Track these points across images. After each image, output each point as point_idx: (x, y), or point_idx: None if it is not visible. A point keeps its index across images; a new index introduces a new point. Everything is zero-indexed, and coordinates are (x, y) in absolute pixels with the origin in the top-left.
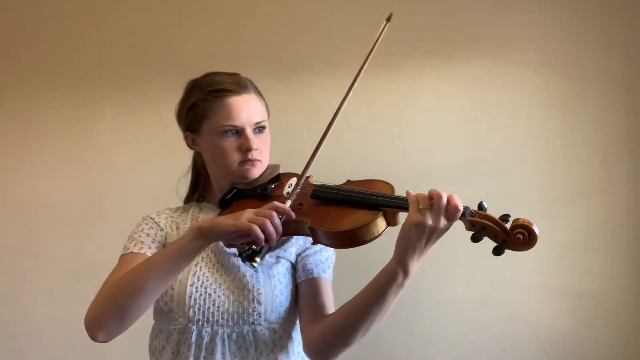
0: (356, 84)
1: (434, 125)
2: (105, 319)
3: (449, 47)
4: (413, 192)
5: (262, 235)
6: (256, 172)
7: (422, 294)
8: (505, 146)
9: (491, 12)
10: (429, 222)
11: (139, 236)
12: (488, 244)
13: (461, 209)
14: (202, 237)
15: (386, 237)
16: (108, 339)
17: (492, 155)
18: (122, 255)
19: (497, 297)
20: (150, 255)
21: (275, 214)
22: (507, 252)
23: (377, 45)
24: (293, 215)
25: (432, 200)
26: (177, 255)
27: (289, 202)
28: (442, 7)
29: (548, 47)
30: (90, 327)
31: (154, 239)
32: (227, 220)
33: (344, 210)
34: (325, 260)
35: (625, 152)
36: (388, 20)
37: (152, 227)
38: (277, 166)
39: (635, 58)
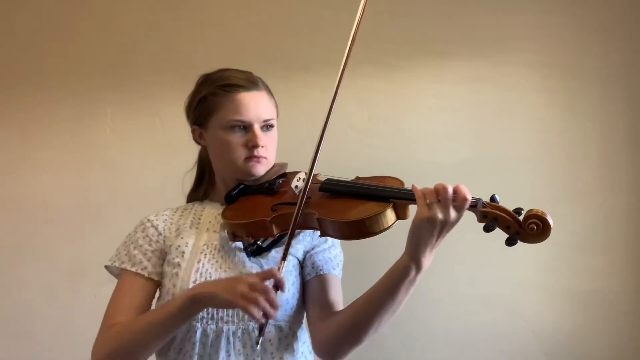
0: (346, 72)
1: (435, 125)
2: None
3: (449, 48)
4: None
5: (259, 315)
6: (261, 169)
7: (423, 294)
8: (506, 146)
9: (491, 12)
10: (439, 215)
11: (133, 248)
12: (492, 245)
13: (469, 198)
14: (197, 304)
15: (396, 233)
16: None
17: (492, 155)
18: (117, 268)
19: (497, 297)
20: (142, 272)
21: (270, 289)
22: (509, 252)
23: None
24: (285, 289)
25: (438, 193)
26: (170, 319)
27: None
28: (442, 7)
29: (548, 47)
30: None
31: (147, 250)
32: (224, 295)
33: (353, 202)
34: (334, 257)
35: (625, 152)
36: None
37: (146, 235)
38: (284, 164)
39: (635, 58)
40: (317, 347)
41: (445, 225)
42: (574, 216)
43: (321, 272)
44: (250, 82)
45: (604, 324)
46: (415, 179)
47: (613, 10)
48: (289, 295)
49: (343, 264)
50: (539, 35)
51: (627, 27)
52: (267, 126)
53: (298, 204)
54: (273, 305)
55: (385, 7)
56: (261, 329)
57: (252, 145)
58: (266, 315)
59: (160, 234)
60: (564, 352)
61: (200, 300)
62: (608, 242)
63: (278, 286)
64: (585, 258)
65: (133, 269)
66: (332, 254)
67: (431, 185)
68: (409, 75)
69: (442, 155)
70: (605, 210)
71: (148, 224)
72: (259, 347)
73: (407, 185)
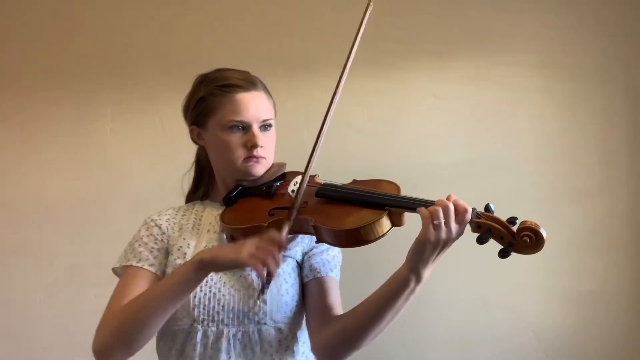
0: (345, 78)
1: (434, 125)
2: (114, 349)
3: (449, 47)
4: (417, 196)
5: (264, 273)
6: (260, 169)
7: (423, 295)
8: (505, 146)
9: (491, 12)
10: (443, 236)
11: (139, 245)
12: (492, 245)
13: (469, 209)
14: (202, 269)
15: (392, 237)
16: None
17: (492, 155)
18: (123, 267)
19: (497, 298)
20: (149, 268)
21: (276, 249)
22: (511, 255)
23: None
24: (286, 249)
25: (444, 214)
26: (179, 286)
27: (286, 226)
28: (442, 7)
29: (548, 47)
30: (100, 356)
31: (153, 248)
32: (229, 254)
33: (349, 209)
34: (332, 259)
35: (625, 152)
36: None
37: (151, 234)
38: (283, 165)
39: (635, 58)
40: (316, 350)
41: (448, 243)
42: (573, 216)
43: (319, 275)
44: (249, 82)
45: (604, 323)
46: (415, 179)
47: (613, 10)
48: (288, 298)
49: (342, 266)
50: (539, 35)
51: (627, 27)
52: (265, 126)
53: (291, 219)
54: (277, 264)
55: (385, 6)
56: (263, 286)
57: (251, 146)
58: (269, 274)
59: (164, 232)
60: (563, 351)
61: (204, 261)
62: (608, 242)
63: (280, 247)
64: (585, 258)
65: (139, 265)
66: (330, 255)
67: (429, 187)
68: (409, 75)
69: (442, 155)
70: (605, 210)
71: (152, 223)
72: (259, 302)
73: (403, 189)
